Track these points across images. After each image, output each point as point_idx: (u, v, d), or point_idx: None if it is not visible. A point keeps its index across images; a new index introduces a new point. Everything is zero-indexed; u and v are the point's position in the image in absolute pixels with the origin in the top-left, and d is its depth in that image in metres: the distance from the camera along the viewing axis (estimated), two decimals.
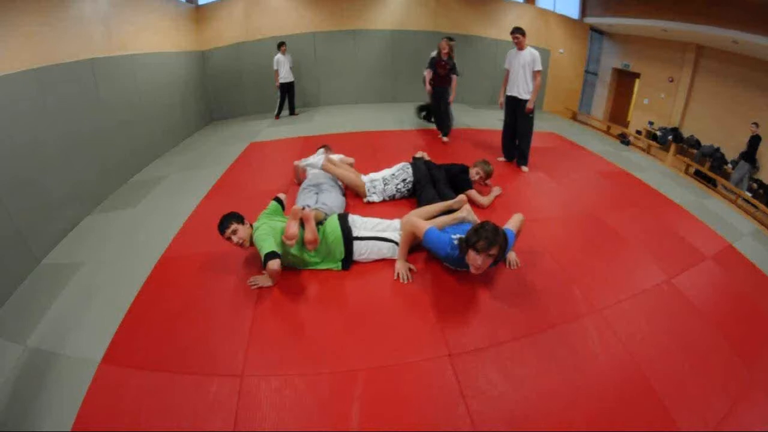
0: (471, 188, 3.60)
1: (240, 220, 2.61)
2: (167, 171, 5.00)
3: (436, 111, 5.99)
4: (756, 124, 6.78)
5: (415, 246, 2.78)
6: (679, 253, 3.25)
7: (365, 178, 3.68)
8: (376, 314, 2.37)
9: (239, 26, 7.88)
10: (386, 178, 3.64)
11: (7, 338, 2.35)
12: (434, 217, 2.93)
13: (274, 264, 2.33)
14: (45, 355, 2.21)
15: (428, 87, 5.68)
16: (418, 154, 3.94)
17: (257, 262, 2.67)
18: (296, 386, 1.92)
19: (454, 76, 5.60)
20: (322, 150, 4.12)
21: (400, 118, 7.34)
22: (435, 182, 3.50)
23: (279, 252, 2.38)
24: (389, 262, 2.74)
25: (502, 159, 5.00)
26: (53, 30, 3.74)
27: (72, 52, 3.95)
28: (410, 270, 2.63)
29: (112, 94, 4.59)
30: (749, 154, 6.92)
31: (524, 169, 4.73)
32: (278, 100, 7.51)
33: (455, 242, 2.41)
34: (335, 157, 3.99)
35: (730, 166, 7.40)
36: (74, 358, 2.17)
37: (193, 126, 7.07)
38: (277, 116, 7.55)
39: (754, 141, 6.77)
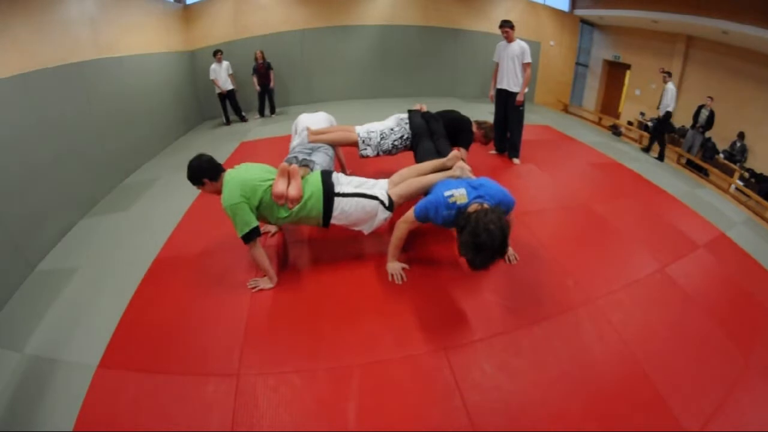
0: (470, 143, 3.53)
1: (211, 175, 2.45)
2: (159, 173, 4.97)
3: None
4: (711, 98, 7.28)
5: (407, 245, 2.74)
6: (672, 242, 3.27)
7: (360, 129, 3.42)
8: (371, 310, 2.37)
9: (228, 25, 7.82)
10: (384, 132, 3.40)
11: (4, 346, 2.34)
12: (426, 174, 2.70)
13: (253, 249, 2.34)
14: (42, 362, 2.20)
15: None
16: (416, 106, 3.67)
17: (253, 263, 2.66)
18: (293, 383, 1.92)
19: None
20: (304, 119, 3.63)
21: (392, 113, 7.28)
22: (432, 134, 3.29)
23: (253, 222, 2.31)
24: (383, 259, 2.69)
25: (493, 152, 5.00)
26: (40, 34, 3.69)
27: (60, 55, 3.90)
28: (404, 269, 2.61)
29: (101, 97, 4.54)
30: (705, 126, 7.36)
31: (516, 161, 4.74)
32: (230, 108, 7.38)
33: (450, 201, 2.20)
34: (315, 118, 3.61)
35: (722, 155, 7.47)
36: (71, 363, 2.17)
37: (184, 127, 7.01)
38: (242, 119, 7.48)
39: (711, 116, 7.26)
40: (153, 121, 5.84)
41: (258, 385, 1.92)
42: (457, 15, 8.96)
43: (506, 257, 2.75)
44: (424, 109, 3.60)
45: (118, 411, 1.86)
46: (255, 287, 2.52)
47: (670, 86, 6.44)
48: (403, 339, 2.15)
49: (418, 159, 3.05)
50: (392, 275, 2.57)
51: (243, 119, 7.50)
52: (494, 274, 2.62)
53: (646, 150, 6.66)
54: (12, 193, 3.06)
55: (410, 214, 2.40)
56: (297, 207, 2.43)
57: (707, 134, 7.58)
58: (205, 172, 2.43)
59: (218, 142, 6.11)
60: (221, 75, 7.07)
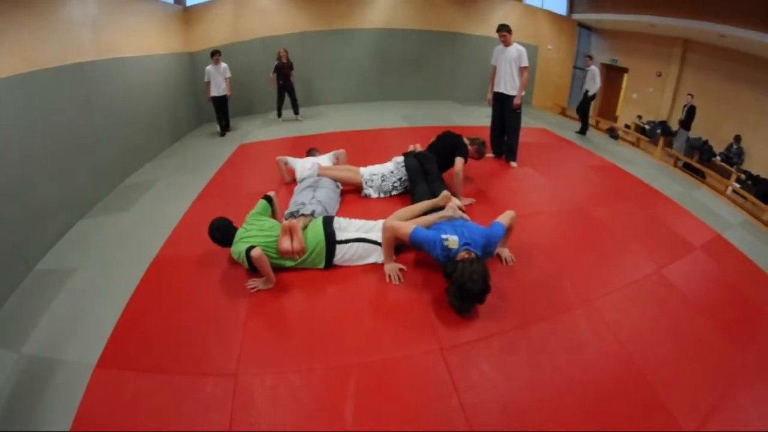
0: (467, 155, 3.73)
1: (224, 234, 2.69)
2: (158, 174, 4.97)
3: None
4: (691, 95, 7.73)
5: (404, 246, 2.80)
6: (669, 243, 3.29)
7: (364, 171, 3.75)
8: (368, 311, 2.39)
9: (228, 27, 7.84)
10: (384, 175, 3.71)
11: (2, 346, 2.34)
12: (418, 216, 2.88)
13: (256, 252, 2.38)
14: (40, 362, 2.21)
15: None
16: (410, 148, 3.93)
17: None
18: (291, 383, 1.92)
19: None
20: (312, 159, 4.03)
21: (390, 116, 7.37)
22: (427, 175, 3.48)
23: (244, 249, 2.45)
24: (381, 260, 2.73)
25: (490, 155, 5.01)
26: (41, 34, 3.70)
27: (60, 56, 3.91)
28: (401, 270, 2.63)
29: (101, 98, 4.56)
30: (687, 123, 7.74)
31: (513, 164, 4.76)
32: (218, 114, 6.79)
33: (444, 243, 2.41)
34: (325, 157, 4.04)
35: (719, 158, 7.51)
36: (70, 362, 2.17)
37: (184, 128, 7.02)
38: (226, 129, 6.86)
39: (691, 110, 7.66)
40: (153, 122, 5.86)
41: (256, 385, 1.92)
42: (455, 19, 9.01)
43: (503, 258, 2.80)
44: (418, 149, 3.87)
45: (115, 411, 1.86)
46: (253, 288, 2.54)
47: (592, 68, 7.02)
48: (401, 339, 2.16)
49: (414, 201, 3.20)
50: (389, 276, 2.59)
51: (224, 131, 6.80)
52: (491, 275, 2.61)
53: (582, 132, 7.18)
54: (11, 193, 3.07)
55: (408, 229, 2.51)
56: (302, 257, 2.63)
57: (709, 136, 7.70)
58: (217, 241, 2.72)
59: (217, 145, 6.12)
60: (217, 78, 6.59)
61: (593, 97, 7.10)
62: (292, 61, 7.14)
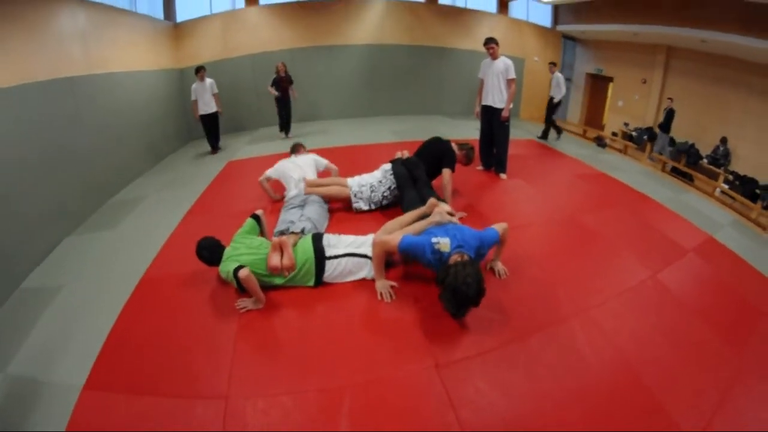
0: (454, 162, 3.72)
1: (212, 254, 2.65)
2: (147, 191, 4.92)
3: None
4: (671, 99, 8.08)
5: (394, 262, 2.79)
6: (662, 248, 3.30)
7: (352, 183, 3.67)
8: (361, 329, 2.34)
9: (217, 44, 7.88)
10: (373, 185, 3.64)
11: None
12: (409, 224, 2.82)
13: (244, 272, 2.33)
14: (26, 383, 2.15)
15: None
16: (398, 154, 3.89)
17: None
18: (283, 405, 1.86)
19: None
20: (295, 162, 3.94)
21: (379, 130, 7.41)
22: (416, 182, 3.45)
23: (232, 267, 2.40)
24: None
25: (480, 168, 5.02)
26: (32, 48, 3.70)
27: (50, 70, 3.90)
28: (392, 287, 2.57)
29: (91, 113, 4.53)
30: (666, 125, 8.00)
31: (502, 176, 4.77)
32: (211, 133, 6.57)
33: (435, 247, 2.34)
34: (310, 161, 3.98)
35: (706, 161, 7.63)
36: (56, 384, 2.11)
37: (173, 145, 6.99)
38: (213, 150, 6.62)
39: (670, 113, 7.93)
40: (142, 138, 5.82)
41: (248, 408, 1.86)
42: (442, 34, 9.14)
43: (496, 272, 2.77)
44: (406, 155, 3.83)
45: None
46: (243, 308, 2.48)
47: (557, 75, 7.13)
48: (395, 357, 2.12)
49: (404, 209, 3.18)
50: (381, 293, 2.53)
51: (215, 149, 6.58)
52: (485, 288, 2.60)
53: (544, 137, 7.31)
54: None
55: (395, 241, 2.44)
56: (292, 274, 2.58)
57: (695, 140, 7.84)
58: (205, 260, 2.67)
59: (205, 162, 6.09)
60: (204, 96, 6.27)
61: (559, 103, 7.19)
62: (291, 75, 7.01)
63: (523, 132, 7.67)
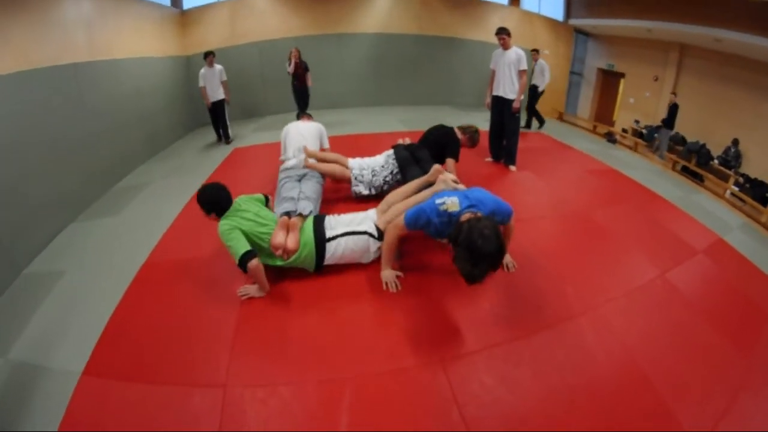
0: (458, 151, 3.64)
1: (216, 209, 2.49)
2: (152, 177, 4.91)
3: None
4: (674, 93, 7.83)
5: (401, 251, 2.72)
6: (671, 248, 3.24)
7: (353, 164, 3.55)
8: (364, 321, 2.30)
9: (224, 31, 7.81)
10: (375, 170, 3.53)
11: None
12: (410, 196, 2.71)
13: (253, 264, 2.26)
14: (26, 368, 2.15)
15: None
16: (399, 141, 3.79)
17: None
18: (282, 396, 1.84)
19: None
20: (298, 130, 3.77)
21: (387, 120, 7.34)
22: (418, 161, 3.37)
23: (244, 247, 2.30)
24: (377, 267, 2.61)
25: (489, 159, 4.97)
26: (35, 34, 3.65)
27: (54, 56, 3.86)
28: (398, 277, 2.52)
29: (95, 100, 4.49)
30: (669, 121, 7.66)
31: (512, 168, 4.71)
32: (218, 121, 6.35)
33: (441, 208, 2.14)
34: (313, 130, 3.81)
35: (716, 161, 7.51)
36: (55, 369, 2.11)
37: (178, 132, 6.95)
38: (226, 140, 6.38)
39: (673, 108, 7.58)
40: (147, 125, 5.78)
41: (246, 397, 1.84)
42: (452, 24, 9.01)
43: (504, 265, 2.69)
44: (408, 141, 3.72)
45: (101, 421, 1.79)
46: (245, 295, 2.44)
47: (540, 62, 7.02)
48: (398, 350, 2.08)
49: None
50: (386, 283, 2.48)
51: (226, 139, 6.34)
52: (492, 283, 2.55)
53: (527, 126, 7.27)
54: (1, 194, 3.02)
55: (400, 219, 2.34)
56: (293, 257, 2.49)
57: (706, 140, 7.68)
58: (213, 206, 2.49)
59: (211, 149, 6.06)
60: (212, 81, 6.05)
61: (542, 92, 7.08)
62: (306, 62, 6.71)
63: (533, 125, 7.58)
